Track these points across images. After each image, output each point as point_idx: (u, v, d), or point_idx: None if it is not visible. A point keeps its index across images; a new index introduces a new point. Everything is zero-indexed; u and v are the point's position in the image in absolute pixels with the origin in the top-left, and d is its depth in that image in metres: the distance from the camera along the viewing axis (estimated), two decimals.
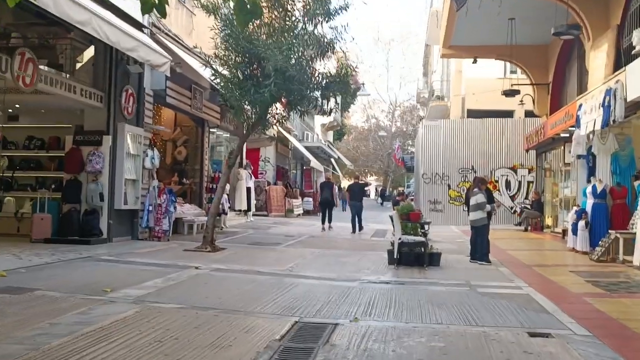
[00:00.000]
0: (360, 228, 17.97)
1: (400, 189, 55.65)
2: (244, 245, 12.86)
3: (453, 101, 27.99)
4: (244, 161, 20.93)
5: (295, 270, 9.35)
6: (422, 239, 10.19)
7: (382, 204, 49.52)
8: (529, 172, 22.99)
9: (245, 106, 11.39)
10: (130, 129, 12.36)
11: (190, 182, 16.78)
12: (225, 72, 11.45)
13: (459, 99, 27.21)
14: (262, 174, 25.34)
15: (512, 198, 23.13)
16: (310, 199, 29.28)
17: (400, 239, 9.92)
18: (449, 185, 23.48)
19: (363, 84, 41.44)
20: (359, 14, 68.12)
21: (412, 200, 25.92)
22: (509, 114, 25.24)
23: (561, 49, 18.07)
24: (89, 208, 11.61)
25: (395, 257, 9.97)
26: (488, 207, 10.97)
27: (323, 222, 18.68)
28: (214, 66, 11.36)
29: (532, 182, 22.84)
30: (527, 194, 23.01)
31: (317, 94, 11.33)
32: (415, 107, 55.84)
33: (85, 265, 8.68)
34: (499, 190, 22.59)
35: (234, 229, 17.12)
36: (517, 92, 18.38)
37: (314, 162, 29.53)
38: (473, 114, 25.63)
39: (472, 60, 21.05)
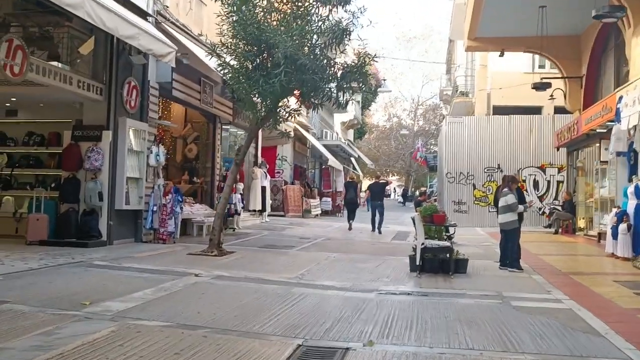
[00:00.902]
0: (379, 232, 17.34)
1: (423, 188, 54.37)
2: (254, 249, 11.99)
3: (478, 97, 26.81)
4: (259, 159, 20.09)
5: (306, 278, 8.44)
6: (447, 243, 9.21)
7: (403, 204, 48.39)
8: (559, 172, 21.81)
9: (255, 99, 10.51)
10: (133, 123, 11.57)
11: (201, 180, 15.97)
12: (233, 62, 10.60)
13: (484, 94, 26.05)
14: (278, 173, 24.48)
15: (541, 198, 21.96)
16: (329, 199, 28.33)
17: (423, 244, 8.95)
18: (474, 185, 22.40)
19: (384, 80, 40.29)
20: (382, 13, 66.87)
21: (435, 200, 24.88)
22: (537, 110, 24.05)
23: (596, 39, 16.91)
24: (88, 208, 10.83)
25: (417, 263, 9.00)
26: (520, 207, 9.95)
27: (350, 221, 18.42)
28: (221, 56, 10.48)
29: (562, 181, 21.68)
30: (557, 194, 21.86)
31: (332, 85, 10.39)
32: (438, 105, 54.53)
33: (73, 272, 7.85)
34: (526, 190, 21.42)
35: (248, 230, 16.29)
36: (548, 85, 17.20)
37: (332, 161, 28.54)
38: (499, 110, 24.47)
39: (498, 53, 19.94)
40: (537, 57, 24.77)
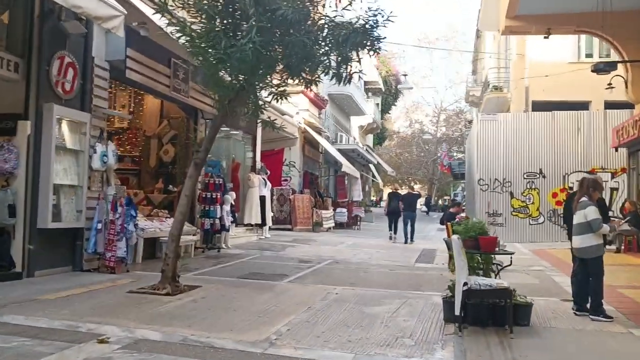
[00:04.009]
0: (412, 241, 17.65)
1: (447, 197, 50.83)
2: (230, 280, 8.89)
3: (514, 91, 23.48)
4: (258, 164, 17.05)
5: (281, 341, 5.32)
6: (503, 284, 5.99)
7: (427, 213, 45.01)
8: (613, 177, 18.42)
9: (223, 74, 7.49)
10: (66, 112, 8.60)
11: (178, 189, 12.91)
12: (195, 26, 7.59)
13: (522, 88, 22.70)
14: (285, 180, 21.41)
15: None
16: (344, 210, 25.10)
17: (465, 284, 5.78)
18: (511, 194, 19.05)
19: (405, 74, 36.98)
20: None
21: (463, 211, 21.62)
22: (583, 105, 20.65)
23: None
24: None
25: (457, 313, 5.84)
26: (605, 227, 6.73)
27: (390, 230, 18.66)
28: (173, 15, 7.48)
29: (617, 188, 18.29)
30: (611, 203, 18.44)
31: (329, 50, 7.32)
32: (463, 110, 51.23)
33: None
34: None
35: (238, 250, 13.24)
36: (613, 66, 13.83)
37: (347, 166, 25.30)
38: (539, 106, 21.13)
39: (540, 37, 16.63)
40: (583, 44, 21.55)
